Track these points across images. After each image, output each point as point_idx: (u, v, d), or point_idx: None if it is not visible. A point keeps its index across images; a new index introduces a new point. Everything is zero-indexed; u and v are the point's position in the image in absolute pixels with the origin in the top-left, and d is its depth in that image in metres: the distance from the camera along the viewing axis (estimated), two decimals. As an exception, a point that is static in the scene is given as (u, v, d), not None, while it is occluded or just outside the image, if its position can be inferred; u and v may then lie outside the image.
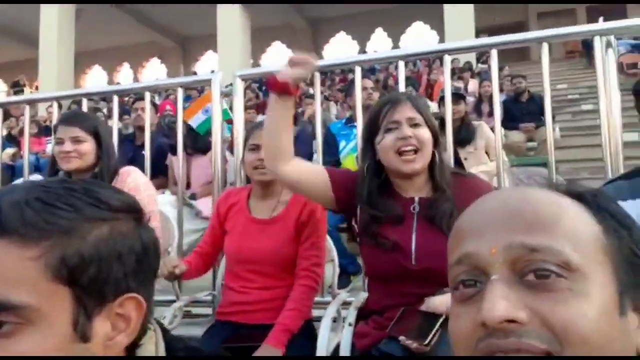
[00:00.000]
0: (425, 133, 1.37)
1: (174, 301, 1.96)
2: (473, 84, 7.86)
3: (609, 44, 2.03)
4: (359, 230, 1.44)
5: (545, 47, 2.10)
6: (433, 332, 1.18)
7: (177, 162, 2.71)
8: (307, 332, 1.63)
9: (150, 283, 0.60)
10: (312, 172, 1.49)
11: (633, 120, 3.09)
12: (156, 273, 0.63)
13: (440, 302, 1.24)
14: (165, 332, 0.64)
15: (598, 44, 2.03)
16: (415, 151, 1.35)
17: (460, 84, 7.66)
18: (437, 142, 1.41)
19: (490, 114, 4.55)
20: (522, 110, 5.44)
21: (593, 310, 0.42)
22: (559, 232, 0.44)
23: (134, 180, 1.94)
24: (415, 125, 1.36)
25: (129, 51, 19.13)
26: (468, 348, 0.44)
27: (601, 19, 3.07)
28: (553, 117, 5.01)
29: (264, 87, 10.22)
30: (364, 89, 2.88)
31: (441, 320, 1.19)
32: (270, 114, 1.42)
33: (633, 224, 0.49)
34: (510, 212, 0.46)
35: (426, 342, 1.17)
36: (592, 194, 0.49)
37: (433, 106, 5.49)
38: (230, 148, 3.10)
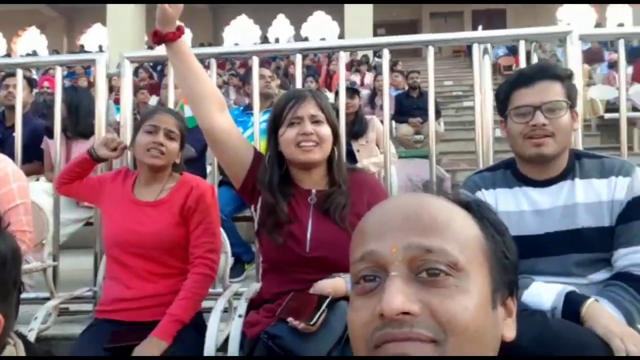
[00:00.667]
0: (326, 130, 1.42)
1: (48, 299, 1.81)
2: (369, 77, 8.16)
3: (485, 50, 2.22)
4: (258, 219, 1.48)
5: (431, 49, 2.25)
6: (319, 313, 1.22)
7: (53, 146, 2.47)
8: (196, 324, 1.60)
9: (8, 296, 0.55)
10: (242, 138, 1.51)
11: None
12: (17, 284, 0.57)
13: (327, 284, 1.30)
14: (27, 344, 0.59)
15: (476, 49, 2.22)
16: (315, 146, 1.40)
17: (358, 77, 7.92)
18: (336, 138, 1.47)
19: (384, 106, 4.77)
20: (413, 105, 5.76)
21: (472, 305, 0.48)
22: (450, 236, 0.50)
23: (2, 170, 1.75)
24: (317, 122, 1.42)
25: (2, 18, 17.02)
26: (365, 336, 0.49)
27: (480, 27, 3.33)
28: (439, 113, 5.39)
29: (158, 67, 9.70)
30: (262, 77, 2.86)
31: (327, 301, 1.25)
32: (175, 65, 1.45)
33: (506, 230, 0.56)
34: (409, 216, 0.52)
35: (312, 322, 1.20)
36: (476, 203, 0.56)
37: (331, 97, 5.61)
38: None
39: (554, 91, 1.32)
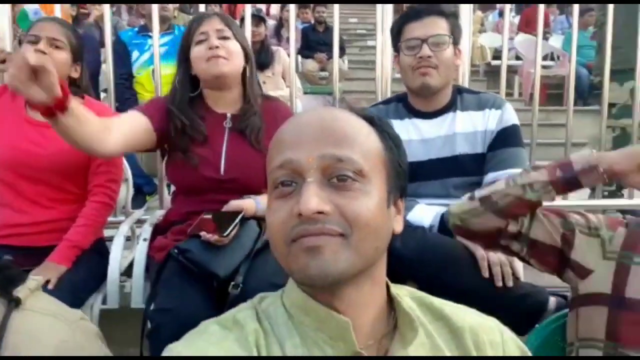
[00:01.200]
0: (234, 45, 1.44)
1: None
2: (276, 7, 7.92)
3: None
4: (169, 146, 1.48)
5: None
6: (233, 226, 1.29)
7: None
8: (98, 249, 1.60)
9: None
10: (132, 127, 1.39)
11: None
12: None
13: (240, 203, 1.37)
14: None
15: (380, -13, 2.27)
16: (225, 60, 1.42)
17: (263, 6, 7.62)
18: (247, 57, 1.49)
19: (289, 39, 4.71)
20: (319, 41, 5.76)
21: (373, 205, 0.58)
22: (357, 148, 0.59)
23: None
24: (224, 38, 1.43)
25: None
26: (283, 232, 0.57)
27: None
28: (343, 50, 5.46)
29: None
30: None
31: (240, 216, 1.32)
32: (69, 135, 1.17)
33: (401, 143, 0.66)
34: (324, 129, 0.59)
35: (225, 233, 1.27)
36: (379, 118, 0.65)
37: (235, 26, 5.37)
38: None
39: (439, 26, 1.46)
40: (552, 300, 1.28)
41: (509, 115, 1.49)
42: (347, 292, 0.58)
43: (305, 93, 4.01)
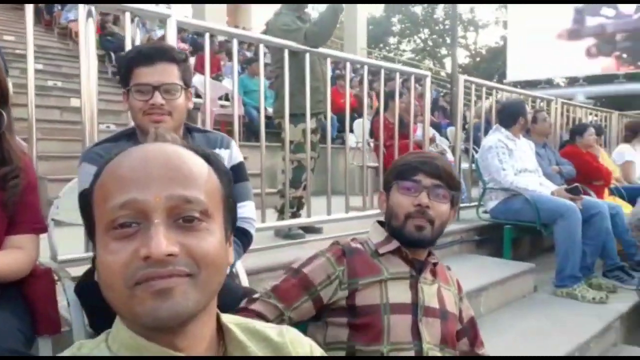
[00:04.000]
0: None
1: None
2: None
3: (90, 13, 2.13)
4: None
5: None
6: None
7: None
8: None
9: None
10: None
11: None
12: None
13: None
14: None
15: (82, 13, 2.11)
16: None
17: None
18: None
19: None
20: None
21: (217, 243, 0.60)
22: (203, 187, 0.59)
23: None
24: None
25: None
26: (126, 274, 0.55)
27: None
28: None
29: None
30: None
31: None
32: None
33: (231, 177, 0.67)
34: (170, 167, 0.58)
35: None
36: (213, 156, 0.66)
37: None
38: None
39: (172, 73, 1.45)
40: None
41: (237, 153, 1.63)
42: (190, 328, 0.59)
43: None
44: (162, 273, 0.54)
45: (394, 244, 1.26)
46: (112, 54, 8.07)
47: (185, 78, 1.50)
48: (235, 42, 2.88)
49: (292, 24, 3.14)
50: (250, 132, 6.65)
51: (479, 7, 27.30)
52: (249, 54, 9.70)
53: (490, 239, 3.79)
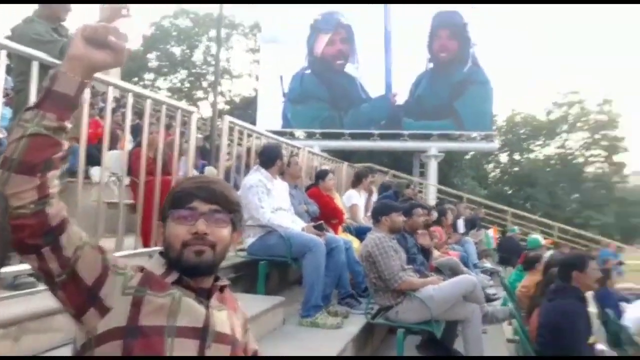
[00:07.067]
0: None
1: None
2: None
3: None
4: None
5: None
6: None
7: None
8: None
9: None
10: None
11: None
12: None
13: None
14: None
15: None
16: None
17: None
18: None
19: None
20: None
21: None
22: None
23: None
24: None
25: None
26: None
27: None
28: None
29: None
30: None
31: None
32: None
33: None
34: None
35: None
36: None
37: None
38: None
39: None
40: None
41: None
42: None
43: None
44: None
45: (174, 275, 1.17)
46: None
47: None
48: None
49: (46, 34, 2.78)
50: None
51: (234, 58, 28.81)
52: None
53: (245, 275, 3.94)
